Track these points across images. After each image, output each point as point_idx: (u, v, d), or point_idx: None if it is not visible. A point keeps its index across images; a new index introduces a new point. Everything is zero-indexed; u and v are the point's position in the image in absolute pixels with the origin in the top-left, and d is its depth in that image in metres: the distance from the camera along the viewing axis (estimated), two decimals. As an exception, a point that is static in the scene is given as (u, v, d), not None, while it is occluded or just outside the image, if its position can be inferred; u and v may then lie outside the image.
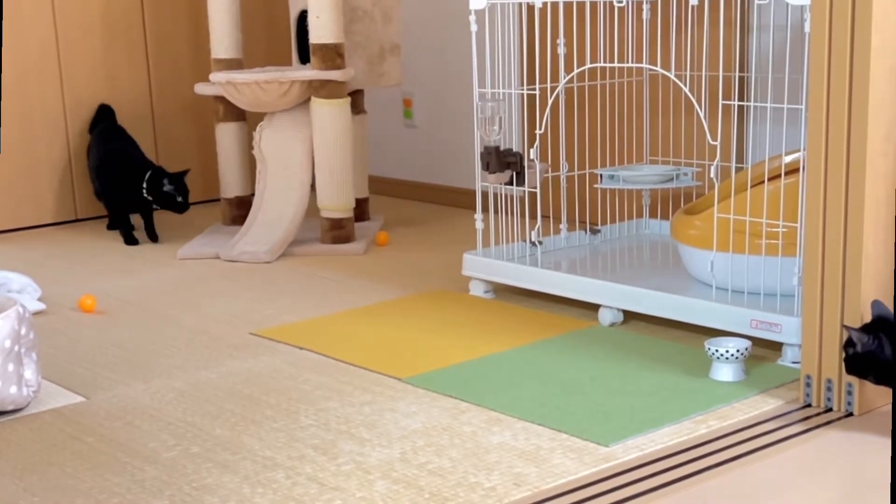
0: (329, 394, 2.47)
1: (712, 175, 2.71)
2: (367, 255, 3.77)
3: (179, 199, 3.89)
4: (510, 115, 3.13)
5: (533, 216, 3.10)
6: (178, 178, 3.90)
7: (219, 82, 3.83)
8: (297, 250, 3.79)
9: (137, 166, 3.97)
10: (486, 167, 3.08)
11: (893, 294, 2.17)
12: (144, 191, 3.91)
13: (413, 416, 2.32)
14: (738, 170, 3.26)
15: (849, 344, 2.14)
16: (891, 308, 2.15)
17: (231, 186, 4.15)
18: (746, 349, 2.45)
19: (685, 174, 3.24)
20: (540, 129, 3.04)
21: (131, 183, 3.94)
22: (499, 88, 3.09)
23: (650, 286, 2.80)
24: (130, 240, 4.00)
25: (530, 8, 3.15)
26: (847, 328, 2.14)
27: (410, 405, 2.38)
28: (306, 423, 2.30)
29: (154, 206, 3.96)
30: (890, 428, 2.17)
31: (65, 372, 2.67)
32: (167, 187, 3.88)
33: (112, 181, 4.02)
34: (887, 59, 2.13)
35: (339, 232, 3.82)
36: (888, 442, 2.11)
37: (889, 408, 2.26)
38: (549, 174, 3.29)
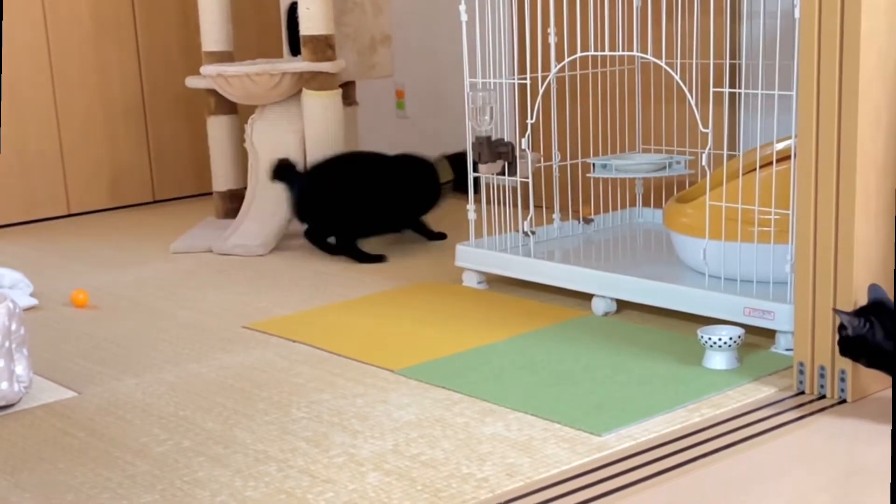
0: (321, 386, 2.46)
1: (704, 163, 2.70)
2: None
3: None
4: (501, 104, 3.12)
5: (525, 206, 3.09)
6: None
7: (209, 75, 3.82)
8: (290, 243, 3.78)
9: None
10: (478, 157, 3.07)
11: (894, 282, 2.16)
12: None
13: (405, 407, 2.31)
14: (729, 157, 3.25)
15: (842, 327, 2.14)
16: (888, 292, 2.15)
17: (223, 180, 4.14)
18: (739, 337, 2.44)
19: (677, 162, 3.23)
20: (531, 118, 3.03)
21: None
22: (490, 78, 3.08)
23: (643, 275, 2.80)
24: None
25: (520, -3, 3.14)
26: (837, 312, 2.14)
27: (403, 397, 2.37)
28: (298, 416, 2.29)
29: None
30: (884, 414, 2.16)
31: (56, 367, 2.66)
32: None
33: None
34: (876, 42, 2.12)
35: (331, 224, 3.81)
36: (882, 428, 2.10)
37: (882, 394, 2.26)
38: (542, 164, 3.29)
